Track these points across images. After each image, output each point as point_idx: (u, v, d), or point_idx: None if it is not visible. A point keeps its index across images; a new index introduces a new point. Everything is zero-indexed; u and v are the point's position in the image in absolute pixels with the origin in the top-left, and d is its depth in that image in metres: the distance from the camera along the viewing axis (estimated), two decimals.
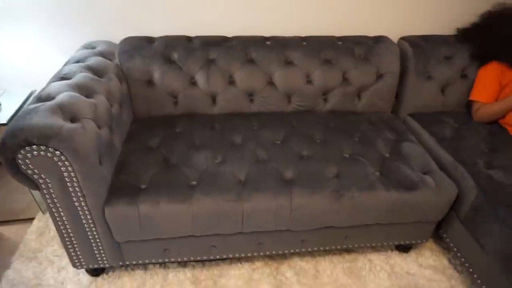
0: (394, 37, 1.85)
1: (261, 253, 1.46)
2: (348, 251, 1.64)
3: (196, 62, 1.64)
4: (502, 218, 1.25)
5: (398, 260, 1.62)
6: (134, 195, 1.23)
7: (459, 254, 1.49)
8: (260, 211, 1.28)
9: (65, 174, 1.09)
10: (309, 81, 1.72)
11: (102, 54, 1.53)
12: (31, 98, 1.66)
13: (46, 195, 1.13)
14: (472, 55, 1.77)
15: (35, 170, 1.06)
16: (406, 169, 1.42)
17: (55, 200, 1.14)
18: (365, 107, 1.80)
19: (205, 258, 1.44)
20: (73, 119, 1.13)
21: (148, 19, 1.70)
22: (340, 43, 1.75)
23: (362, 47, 1.75)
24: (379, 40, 1.78)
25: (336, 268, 1.57)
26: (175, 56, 1.63)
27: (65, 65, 1.41)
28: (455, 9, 1.88)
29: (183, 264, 1.55)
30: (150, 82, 1.63)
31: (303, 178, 1.34)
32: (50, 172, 1.07)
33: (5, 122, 1.50)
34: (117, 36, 1.68)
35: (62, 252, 1.57)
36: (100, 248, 1.32)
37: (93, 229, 1.26)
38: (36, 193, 1.70)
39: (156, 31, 1.70)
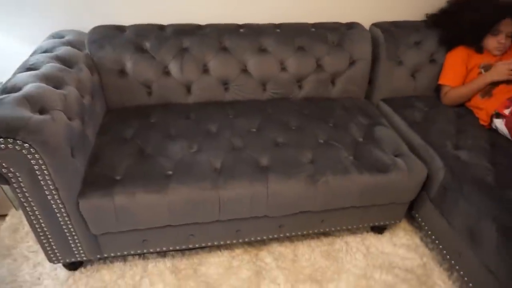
0: (366, 23, 1.88)
1: (240, 240, 1.48)
2: (325, 234, 1.68)
3: (169, 51, 1.62)
4: (466, 195, 1.31)
5: (373, 241, 1.68)
6: (109, 187, 1.22)
7: (430, 232, 1.56)
8: (236, 198, 1.29)
9: (36, 167, 1.06)
10: (283, 69, 1.73)
11: (71, 44, 1.49)
12: None
13: (17, 190, 1.10)
14: (440, 40, 1.82)
15: (4, 164, 1.03)
16: (379, 152, 1.46)
17: (26, 194, 1.12)
18: (339, 93, 1.83)
19: (184, 247, 1.45)
20: (41, 111, 1.10)
21: (118, 7, 1.66)
22: (313, 30, 1.77)
23: (335, 34, 1.77)
24: (352, 26, 1.81)
25: (314, 251, 1.61)
26: (147, 45, 1.61)
27: (31, 55, 1.36)
28: None
29: (163, 254, 1.55)
30: (122, 72, 1.60)
31: (278, 164, 1.36)
32: (20, 165, 1.05)
33: None
34: (86, 25, 1.63)
35: (37, 248, 1.54)
36: (77, 241, 1.30)
37: (68, 222, 1.24)
38: (7, 188, 1.65)
39: (127, 19, 1.66)
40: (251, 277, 1.48)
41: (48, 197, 1.14)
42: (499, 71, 1.62)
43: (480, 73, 1.71)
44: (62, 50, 1.40)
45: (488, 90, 1.67)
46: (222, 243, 1.47)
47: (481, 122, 1.66)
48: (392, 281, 1.50)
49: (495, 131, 1.61)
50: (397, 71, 1.83)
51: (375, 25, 1.85)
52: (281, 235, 1.51)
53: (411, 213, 1.67)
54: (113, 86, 1.60)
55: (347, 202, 1.41)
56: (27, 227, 1.62)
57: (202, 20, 1.73)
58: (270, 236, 1.51)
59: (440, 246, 1.50)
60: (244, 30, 1.71)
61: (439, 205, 1.46)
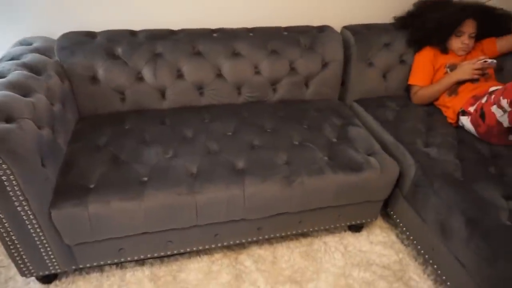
0: (337, 26, 1.92)
1: (219, 244, 1.48)
2: (304, 235, 1.70)
3: (142, 57, 1.60)
4: (437, 191, 1.36)
5: (351, 239, 1.71)
6: (82, 196, 1.19)
7: (404, 229, 1.60)
8: (213, 202, 1.29)
9: (4, 178, 1.03)
10: (257, 72, 1.75)
11: (39, 51, 1.45)
12: None
13: None
14: (408, 41, 1.88)
15: None
16: (352, 152, 1.49)
17: None
18: (313, 95, 1.86)
19: (162, 254, 1.43)
20: (8, 119, 1.07)
21: (88, 13, 1.63)
22: (285, 33, 1.79)
23: (307, 37, 1.80)
24: (323, 29, 1.84)
25: (293, 252, 1.62)
26: (119, 50, 1.59)
27: None
28: None
29: (141, 262, 1.52)
30: (94, 79, 1.57)
31: (254, 167, 1.37)
32: None
33: None
34: (55, 32, 1.60)
35: (9, 262, 1.49)
36: (50, 253, 1.27)
37: (40, 234, 1.20)
38: None
39: (98, 25, 1.64)
40: (231, 281, 1.48)
41: (18, 208, 1.11)
42: (464, 70, 1.69)
43: (446, 72, 1.78)
44: (30, 57, 1.37)
45: (454, 88, 1.74)
46: (201, 248, 1.47)
47: (449, 120, 1.72)
48: (370, 278, 1.53)
49: (462, 128, 1.68)
50: (368, 72, 1.88)
51: (346, 27, 1.90)
52: (260, 238, 1.52)
53: (386, 210, 1.71)
54: (85, 93, 1.57)
55: (323, 202, 1.44)
56: None
57: (175, 25, 1.72)
58: (249, 239, 1.51)
59: (415, 242, 1.54)
60: (218, 34, 1.72)
61: (412, 202, 1.50)
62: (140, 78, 1.63)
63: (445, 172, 1.41)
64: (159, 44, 1.63)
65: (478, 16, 1.75)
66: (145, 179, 1.28)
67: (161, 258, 1.54)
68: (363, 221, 1.64)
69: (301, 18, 1.89)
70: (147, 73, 1.62)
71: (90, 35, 1.59)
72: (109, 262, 1.38)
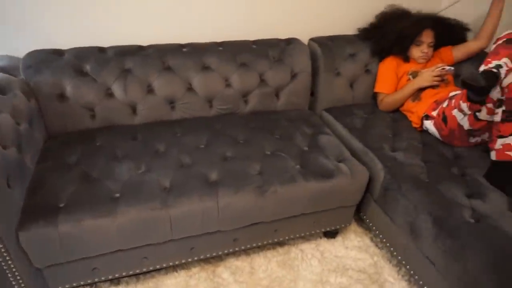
0: (304, 38, 1.98)
1: (195, 258, 1.47)
2: (280, 244, 1.72)
3: (111, 73, 1.60)
4: (404, 193, 1.41)
5: (327, 246, 1.73)
6: (51, 216, 1.16)
7: (377, 232, 1.64)
8: (187, 215, 1.29)
9: None
10: (228, 85, 1.78)
11: (3, 70, 1.43)
12: None
13: None
14: (371, 51, 1.97)
15: None
16: (323, 159, 1.52)
17: None
18: (284, 105, 1.90)
19: (138, 271, 1.41)
20: None
21: (55, 31, 1.62)
22: (254, 46, 1.84)
23: (275, 49, 1.85)
24: (291, 42, 1.90)
25: (271, 262, 1.63)
26: (87, 67, 1.58)
27: None
28: (356, 11, 2.07)
29: (116, 281, 1.49)
30: (62, 97, 1.55)
31: (227, 178, 1.38)
32: None
33: None
34: (20, 50, 1.57)
35: None
36: (18, 278, 1.21)
37: (7, 258, 1.15)
38: None
39: (66, 43, 1.62)
40: None
41: None
42: (425, 77, 1.78)
43: (409, 80, 1.86)
44: None
45: (417, 95, 1.82)
46: (177, 263, 1.45)
47: (414, 125, 1.80)
48: (346, 283, 1.55)
49: (426, 132, 1.75)
50: (336, 82, 1.95)
51: (313, 39, 1.97)
52: (237, 249, 1.52)
53: (360, 215, 1.75)
54: (53, 111, 1.54)
55: (297, 209, 1.46)
56: None
57: (144, 41, 1.73)
58: (226, 251, 1.51)
59: (388, 244, 1.59)
60: (187, 49, 1.74)
61: (383, 205, 1.55)
62: (110, 94, 1.62)
63: (411, 175, 1.46)
64: (129, 60, 1.64)
65: (435, 26, 1.86)
66: (117, 195, 1.27)
67: (137, 276, 1.51)
68: (338, 226, 1.67)
69: (269, 31, 1.95)
70: (117, 89, 1.62)
71: (57, 52, 1.57)
72: (82, 283, 1.35)
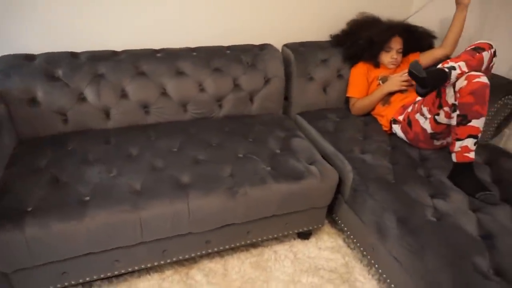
0: (278, 44, 2.03)
1: (168, 260, 1.48)
2: (254, 246, 1.74)
3: (83, 78, 1.61)
4: (372, 193, 1.46)
5: (300, 247, 1.76)
6: (18, 220, 1.16)
7: (349, 233, 1.68)
8: (158, 217, 1.30)
9: None
10: (202, 89, 1.80)
11: None
12: None
13: None
14: (343, 57, 2.02)
15: None
16: (294, 161, 1.56)
17: None
18: (258, 110, 1.94)
19: (109, 274, 1.41)
20: None
21: (26, 36, 1.62)
22: (228, 52, 1.87)
23: (249, 55, 1.89)
24: (264, 47, 1.94)
25: (244, 264, 1.65)
26: (59, 72, 1.59)
27: None
28: (328, 19, 2.13)
29: (88, 285, 1.49)
30: (33, 101, 1.55)
31: (198, 181, 1.40)
32: None
33: None
34: None
35: None
36: None
37: None
38: None
39: (36, 48, 1.63)
40: None
41: None
42: (393, 82, 1.84)
43: (379, 84, 1.93)
44: None
45: (386, 99, 1.88)
46: (150, 265, 1.46)
47: (384, 128, 1.86)
48: (318, 282, 1.58)
49: (395, 135, 1.81)
50: (309, 87, 1.99)
51: (286, 45, 2.01)
52: (210, 251, 1.54)
53: (332, 216, 1.79)
54: (24, 116, 1.54)
55: (268, 211, 1.49)
56: None
57: (117, 47, 1.75)
58: (199, 253, 1.52)
59: (358, 244, 1.63)
60: (161, 54, 1.76)
61: (352, 206, 1.59)
62: (82, 99, 1.63)
63: (379, 176, 1.51)
64: (102, 65, 1.65)
65: (403, 33, 1.93)
66: (87, 198, 1.28)
67: (109, 280, 1.51)
68: (310, 228, 1.70)
69: (244, 37, 1.99)
70: (89, 93, 1.62)
71: (28, 57, 1.57)
72: (51, 287, 1.34)
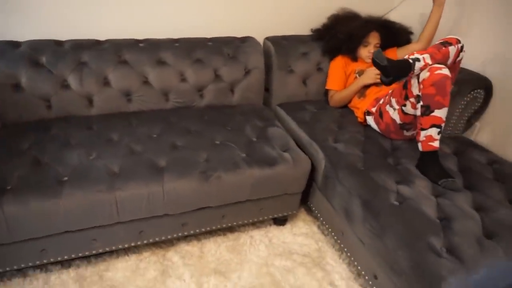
0: (260, 38, 2.09)
1: (145, 241, 1.53)
2: (231, 230, 1.80)
3: (67, 65, 1.67)
4: (341, 180, 1.52)
5: (275, 233, 1.83)
6: None
7: (322, 219, 1.75)
8: (133, 198, 1.36)
9: None
10: (183, 79, 1.86)
11: None
12: None
13: None
14: (323, 50, 2.09)
15: None
16: (269, 149, 1.62)
17: None
18: (239, 100, 2.00)
19: (87, 253, 1.46)
20: None
21: (12, 23, 1.67)
22: (210, 43, 1.93)
23: (230, 47, 1.95)
24: (245, 40, 2.00)
25: (220, 247, 1.71)
26: (43, 59, 1.64)
27: None
28: (310, 13, 2.19)
29: (67, 264, 1.54)
30: (17, 87, 1.60)
31: (174, 164, 1.46)
32: None
33: None
34: None
35: None
36: None
37: None
38: None
39: (22, 36, 1.68)
40: (157, 277, 1.53)
41: None
42: (369, 75, 1.91)
43: (356, 78, 1.99)
44: None
45: (362, 92, 1.95)
46: (126, 246, 1.52)
47: (359, 120, 1.92)
48: (290, 265, 1.65)
49: (369, 126, 1.88)
50: (289, 79, 2.06)
51: (268, 39, 2.08)
52: (186, 233, 1.60)
53: (308, 204, 1.86)
54: (8, 101, 1.59)
55: (242, 195, 1.55)
56: None
57: (101, 36, 1.80)
58: (175, 235, 1.58)
59: (330, 229, 1.69)
60: (144, 44, 1.82)
61: (324, 192, 1.66)
62: (66, 86, 1.68)
63: (348, 164, 1.57)
64: (85, 53, 1.71)
65: (381, 28, 1.99)
66: (65, 179, 1.33)
67: (88, 260, 1.57)
68: (285, 214, 1.77)
69: (226, 30, 2.05)
70: (73, 81, 1.68)
71: (13, 44, 1.62)
72: (30, 264, 1.39)
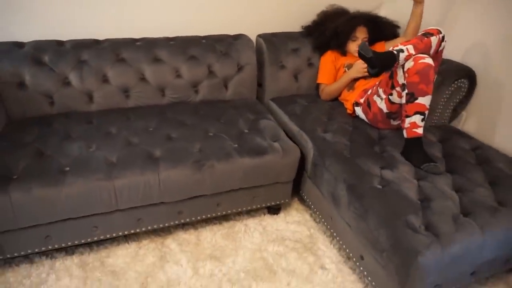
0: (252, 35, 2.18)
1: (143, 229, 1.62)
2: (226, 219, 1.88)
3: (68, 63, 1.76)
4: (328, 166, 1.60)
5: (269, 221, 1.90)
6: (4, 185, 1.31)
7: (313, 206, 1.82)
8: (130, 186, 1.44)
9: None
10: (178, 75, 1.95)
11: None
12: None
13: None
14: (312, 46, 2.17)
15: None
16: (259, 139, 1.70)
17: None
18: (233, 95, 2.08)
19: (89, 240, 1.55)
20: None
21: (15, 26, 1.77)
22: (204, 41, 2.02)
23: (223, 44, 2.03)
24: (238, 37, 2.09)
25: (216, 235, 1.79)
26: (46, 58, 1.74)
27: None
28: (300, 10, 2.28)
29: (71, 252, 1.63)
30: (21, 84, 1.70)
31: (169, 154, 1.54)
32: None
33: None
34: None
35: None
36: None
37: None
38: None
39: (25, 37, 1.78)
40: (156, 262, 1.62)
41: None
42: (357, 69, 1.98)
43: (345, 71, 2.06)
44: None
45: (351, 85, 2.02)
46: (126, 233, 1.60)
47: (348, 111, 1.99)
48: (283, 251, 1.72)
49: (358, 117, 1.95)
50: (281, 74, 2.14)
51: (260, 36, 2.16)
52: (182, 221, 1.68)
53: (300, 193, 1.93)
54: (13, 98, 1.69)
55: (234, 183, 1.63)
56: None
57: (100, 36, 1.90)
58: (172, 223, 1.66)
59: (320, 216, 1.77)
60: (140, 43, 1.91)
61: (313, 180, 1.73)
62: (67, 83, 1.78)
63: (335, 151, 1.65)
64: (85, 52, 1.80)
65: (368, 23, 2.07)
66: (67, 168, 1.42)
67: (90, 247, 1.66)
68: (278, 202, 1.84)
69: (220, 28, 2.14)
70: (73, 78, 1.77)
71: (18, 45, 1.72)
72: (36, 250, 1.48)
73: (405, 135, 1.62)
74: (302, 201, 2.04)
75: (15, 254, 1.46)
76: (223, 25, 2.15)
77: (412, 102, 1.54)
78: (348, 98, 2.00)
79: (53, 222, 1.43)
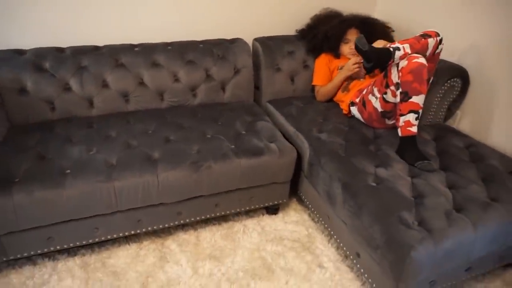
0: (249, 39, 2.22)
1: (143, 230, 1.65)
2: (225, 220, 1.91)
3: (68, 69, 1.80)
4: (323, 165, 1.63)
5: (268, 221, 1.93)
6: (7, 188, 1.34)
7: (310, 206, 1.85)
8: (130, 187, 1.47)
9: None
10: (176, 80, 1.99)
11: None
12: None
13: None
14: (307, 49, 2.20)
15: None
16: (256, 140, 1.73)
17: None
18: (230, 98, 2.12)
19: (91, 241, 1.58)
20: None
21: (16, 34, 1.82)
22: (201, 45, 2.06)
23: (220, 48, 2.07)
24: (234, 41, 2.13)
25: (215, 235, 1.82)
26: (46, 65, 1.78)
27: None
28: (295, 14, 2.32)
29: (73, 253, 1.66)
30: (23, 91, 1.74)
31: (168, 156, 1.57)
32: None
33: None
34: None
35: None
36: None
37: None
38: None
39: (26, 45, 1.82)
40: (156, 262, 1.65)
41: None
42: (348, 67, 2.02)
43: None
44: None
45: (346, 86, 2.06)
46: (126, 234, 1.63)
47: (344, 112, 2.03)
48: (281, 250, 1.75)
49: (353, 117, 1.98)
50: (277, 77, 2.18)
51: (256, 39, 2.20)
52: (181, 222, 1.71)
53: (298, 193, 1.96)
54: (15, 104, 1.73)
55: (231, 184, 1.66)
56: None
57: (99, 43, 1.94)
58: (171, 224, 1.69)
59: (318, 215, 1.79)
60: (139, 48, 1.95)
61: (310, 179, 1.76)
62: (68, 89, 1.82)
63: (330, 151, 1.68)
64: (85, 58, 1.84)
65: (360, 25, 2.11)
66: (68, 171, 1.46)
67: (92, 249, 1.69)
68: (275, 202, 1.87)
69: (217, 33, 2.18)
70: (74, 84, 1.81)
71: (18, 52, 1.77)
72: (39, 251, 1.51)
73: (399, 133, 1.65)
74: (301, 201, 2.07)
75: (18, 256, 1.49)
76: (219, 29, 2.19)
77: (406, 101, 1.57)
78: (344, 99, 2.04)
79: (55, 224, 1.46)
